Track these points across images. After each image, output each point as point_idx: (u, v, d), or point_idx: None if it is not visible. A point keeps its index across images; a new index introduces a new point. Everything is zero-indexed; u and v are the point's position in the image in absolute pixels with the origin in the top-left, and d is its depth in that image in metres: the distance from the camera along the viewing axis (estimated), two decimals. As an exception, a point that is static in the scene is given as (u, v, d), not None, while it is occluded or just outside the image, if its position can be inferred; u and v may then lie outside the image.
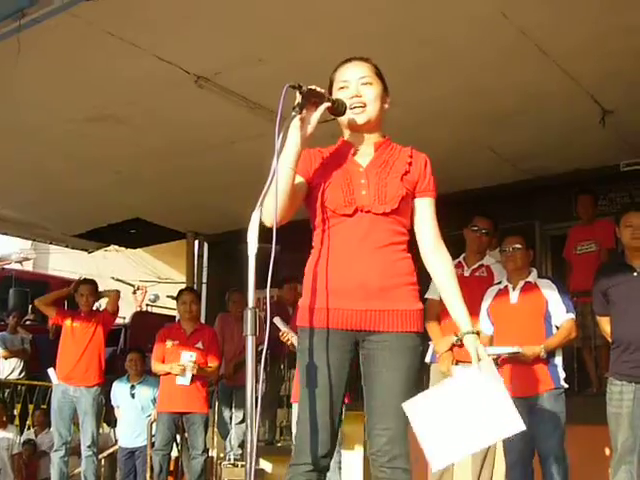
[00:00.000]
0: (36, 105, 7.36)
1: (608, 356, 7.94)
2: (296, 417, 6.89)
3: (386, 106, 3.36)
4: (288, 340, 6.79)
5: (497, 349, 5.50)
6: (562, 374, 5.56)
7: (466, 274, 6.05)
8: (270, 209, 2.93)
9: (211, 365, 7.69)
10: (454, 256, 6.10)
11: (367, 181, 3.22)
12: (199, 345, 7.70)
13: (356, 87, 3.25)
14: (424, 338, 3.40)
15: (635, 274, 5.33)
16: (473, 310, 5.79)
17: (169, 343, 7.76)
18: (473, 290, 5.87)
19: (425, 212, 3.29)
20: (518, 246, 5.72)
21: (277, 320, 6.74)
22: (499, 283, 5.88)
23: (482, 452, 5.75)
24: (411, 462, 3.05)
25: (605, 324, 5.55)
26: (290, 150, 3.07)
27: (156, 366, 7.79)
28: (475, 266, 6.11)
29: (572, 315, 5.60)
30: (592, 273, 8.11)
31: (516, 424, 3.00)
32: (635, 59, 6.45)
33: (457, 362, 5.73)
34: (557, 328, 5.59)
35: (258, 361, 2.84)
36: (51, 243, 14.44)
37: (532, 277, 5.72)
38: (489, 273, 6.05)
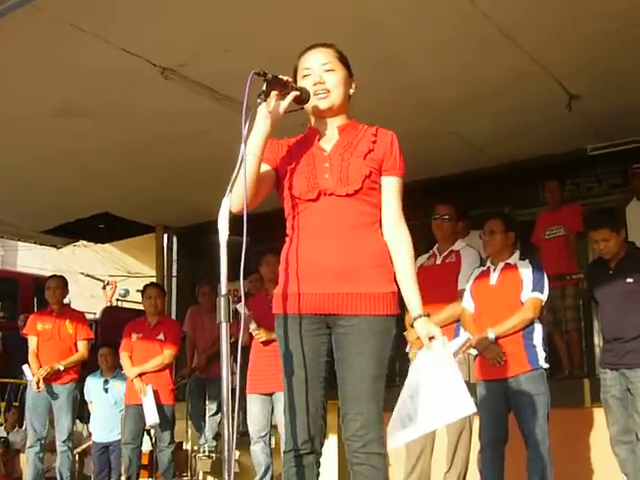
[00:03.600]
0: (0, 100, 7.28)
1: (579, 340, 8.12)
2: (250, 407, 6.99)
3: (351, 91, 3.35)
4: (260, 337, 6.78)
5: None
6: (542, 354, 5.54)
7: (438, 262, 6.12)
8: (235, 195, 2.96)
9: (166, 352, 7.71)
10: (424, 245, 6.21)
11: (330, 164, 3.21)
12: (161, 337, 7.82)
13: (319, 74, 3.25)
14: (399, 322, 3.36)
15: (610, 272, 5.75)
16: (445, 296, 5.91)
17: (134, 336, 7.88)
18: (442, 277, 6.01)
19: (388, 191, 3.24)
20: (494, 230, 5.75)
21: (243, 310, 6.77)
22: (482, 265, 5.93)
23: (456, 433, 5.80)
24: (386, 446, 3.04)
25: None
26: (256, 138, 3.08)
27: (123, 358, 7.88)
28: (445, 253, 6.16)
29: (538, 295, 5.57)
30: (561, 257, 8.29)
31: (467, 406, 2.98)
32: (603, 44, 6.48)
33: None
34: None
35: (232, 352, 2.83)
36: (19, 240, 14.34)
37: (513, 259, 5.73)
38: (457, 258, 6.11)
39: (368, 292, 3.09)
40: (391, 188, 3.25)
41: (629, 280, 5.71)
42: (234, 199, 2.98)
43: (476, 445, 5.71)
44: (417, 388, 3.02)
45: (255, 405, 6.87)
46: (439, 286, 5.94)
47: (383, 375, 3.09)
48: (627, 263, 5.77)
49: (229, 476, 2.72)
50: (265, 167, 3.22)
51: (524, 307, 5.54)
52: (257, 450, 6.88)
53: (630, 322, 5.64)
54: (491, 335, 5.47)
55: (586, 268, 6.31)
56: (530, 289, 5.56)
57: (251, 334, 6.74)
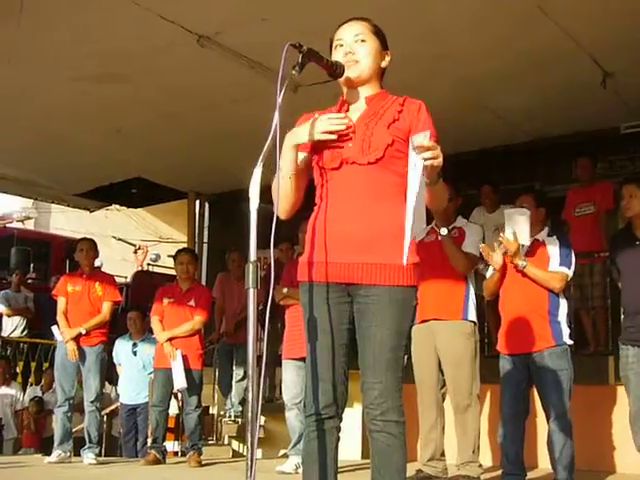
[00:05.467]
0: (39, 65, 7.36)
1: (605, 317, 8.10)
2: (285, 373, 7.04)
3: (384, 64, 3.36)
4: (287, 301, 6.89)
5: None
6: (566, 330, 5.53)
7: (440, 238, 6.12)
8: (282, 205, 3.17)
9: (196, 317, 7.80)
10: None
11: (355, 134, 3.22)
12: (191, 303, 7.86)
13: (350, 44, 3.27)
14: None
15: (637, 243, 5.52)
16: (451, 271, 5.95)
17: (165, 301, 7.91)
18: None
19: None
20: (524, 206, 5.74)
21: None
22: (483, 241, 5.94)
23: (461, 405, 5.91)
24: (404, 414, 3.09)
25: None
26: (287, 165, 3.14)
27: (154, 322, 7.93)
28: (449, 229, 6.18)
29: (565, 269, 5.55)
30: (590, 235, 8.26)
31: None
32: (637, 21, 6.44)
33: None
34: None
35: (259, 319, 2.88)
36: (53, 202, 14.46)
37: (541, 235, 5.72)
38: (461, 234, 6.12)
39: (388, 263, 3.09)
40: None
41: None
42: (281, 208, 3.15)
43: (485, 419, 5.73)
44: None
45: (290, 371, 6.94)
46: (444, 261, 5.99)
47: (402, 345, 3.14)
48: None
49: (252, 439, 2.78)
50: (300, 155, 3.26)
51: (554, 273, 5.53)
52: (291, 417, 6.96)
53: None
54: (522, 260, 5.48)
55: (611, 237, 6.20)
56: (557, 263, 5.55)
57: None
